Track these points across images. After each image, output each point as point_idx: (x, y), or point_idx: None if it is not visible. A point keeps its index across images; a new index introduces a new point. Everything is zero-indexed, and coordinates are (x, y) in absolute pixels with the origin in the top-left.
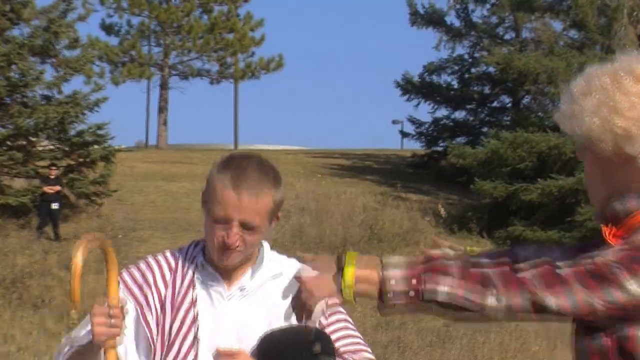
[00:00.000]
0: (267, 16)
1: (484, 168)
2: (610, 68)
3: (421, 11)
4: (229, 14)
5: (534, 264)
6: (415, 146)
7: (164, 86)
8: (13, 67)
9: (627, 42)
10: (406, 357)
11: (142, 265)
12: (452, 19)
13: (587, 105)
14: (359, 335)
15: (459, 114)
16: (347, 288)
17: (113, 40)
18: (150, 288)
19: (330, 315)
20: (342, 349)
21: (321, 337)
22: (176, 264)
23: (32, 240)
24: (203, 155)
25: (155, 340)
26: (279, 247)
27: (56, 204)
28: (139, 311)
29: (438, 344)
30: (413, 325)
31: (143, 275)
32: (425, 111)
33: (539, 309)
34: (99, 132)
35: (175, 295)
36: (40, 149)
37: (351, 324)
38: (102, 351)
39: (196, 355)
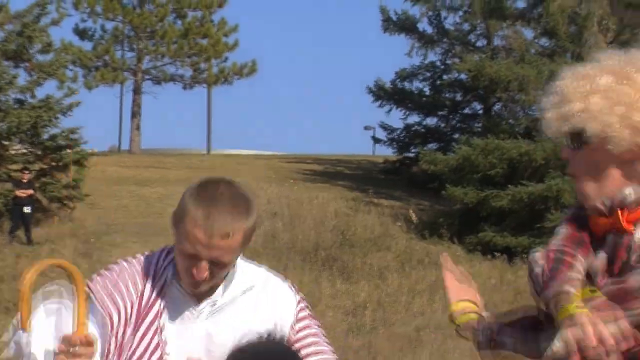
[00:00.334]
0: (241, 22)
1: (455, 174)
2: (607, 66)
3: (394, 18)
4: (202, 20)
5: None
6: (387, 152)
7: (137, 91)
8: None
9: (597, 50)
10: None
11: (114, 274)
12: (424, 25)
13: (595, 105)
14: (331, 349)
15: (431, 121)
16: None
17: (86, 45)
18: (123, 299)
19: (300, 330)
20: None
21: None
22: (147, 273)
23: (4, 244)
24: (176, 160)
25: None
26: (251, 252)
27: (28, 207)
28: (109, 327)
29: (409, 349)
30: (384, 331)
31: (115, 285)
32: (397, 117)
33: None
34: (72, 136)
35: (143, 306)
36: (13, 152)
37: (323, 338)
38: None
39: None
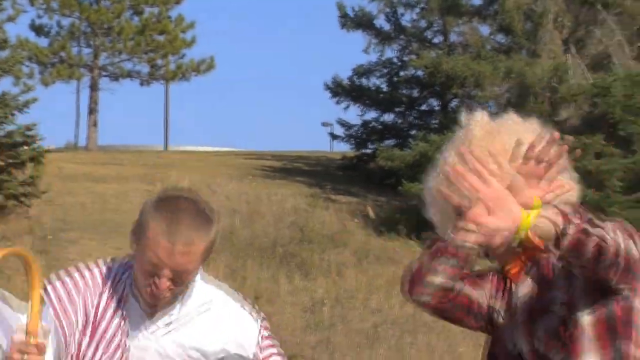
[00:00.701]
0: (198, 18)
1: (411, 170)
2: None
3: (351, 14)
4: (160, 16)
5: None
6: (344, 148)
7: (94, 87)
8: None
9: (553, 47)
10: (335, 358)
11: (72, 283)
12: (381, 22)
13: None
14: None
15: (388, 117)
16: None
17: (43, 41)
18: (80, 308)
19: (265, 351)
20: None
21: None
22: (106, 284)
23: None
24: (132, 156)
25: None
26: None
27: None
28: (61, 334)
29: (367, 344)
30: (342, 327)
31: (69, 294)
32: (354, 114)
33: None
34: (28, 133)
35: (99, 318)
36: None
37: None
38: None
39: None
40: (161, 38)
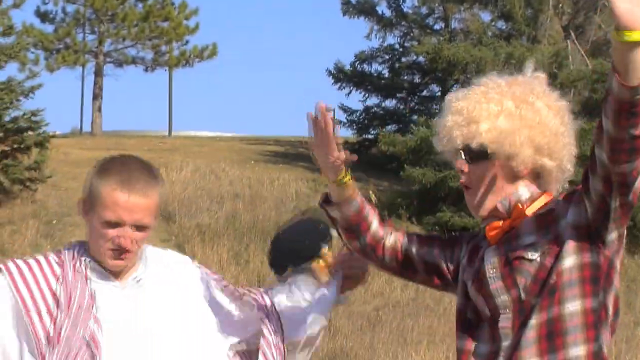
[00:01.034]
0: (202, 5)
1: (413, 155)
2: (509, 92)
3: (353, 1)
4: (163, 3)
5: None
6: (346, 134)
7: (98, 73)
8: None
9: (553, 33)
10: (337, 341)
11: (29, 260)
12: (383, 8)
13: (502, 126)
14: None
15: (390, 103)
16: None
17: (48, 28)
18: (39, 283)
19: (225, 284)
20: None
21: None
22: (63, 260)
23: None
24: (136, 142)
25: (45, 338)
26: (213, 233)
27: None
28: (23, 310)
29: (368, 327)
30: (344, 310)
31: (31, 269)
32: (356, 99)
33: None
34: (34, 118)
35: (68, 289)
36: None
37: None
38: None
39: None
40: (165, 25)
